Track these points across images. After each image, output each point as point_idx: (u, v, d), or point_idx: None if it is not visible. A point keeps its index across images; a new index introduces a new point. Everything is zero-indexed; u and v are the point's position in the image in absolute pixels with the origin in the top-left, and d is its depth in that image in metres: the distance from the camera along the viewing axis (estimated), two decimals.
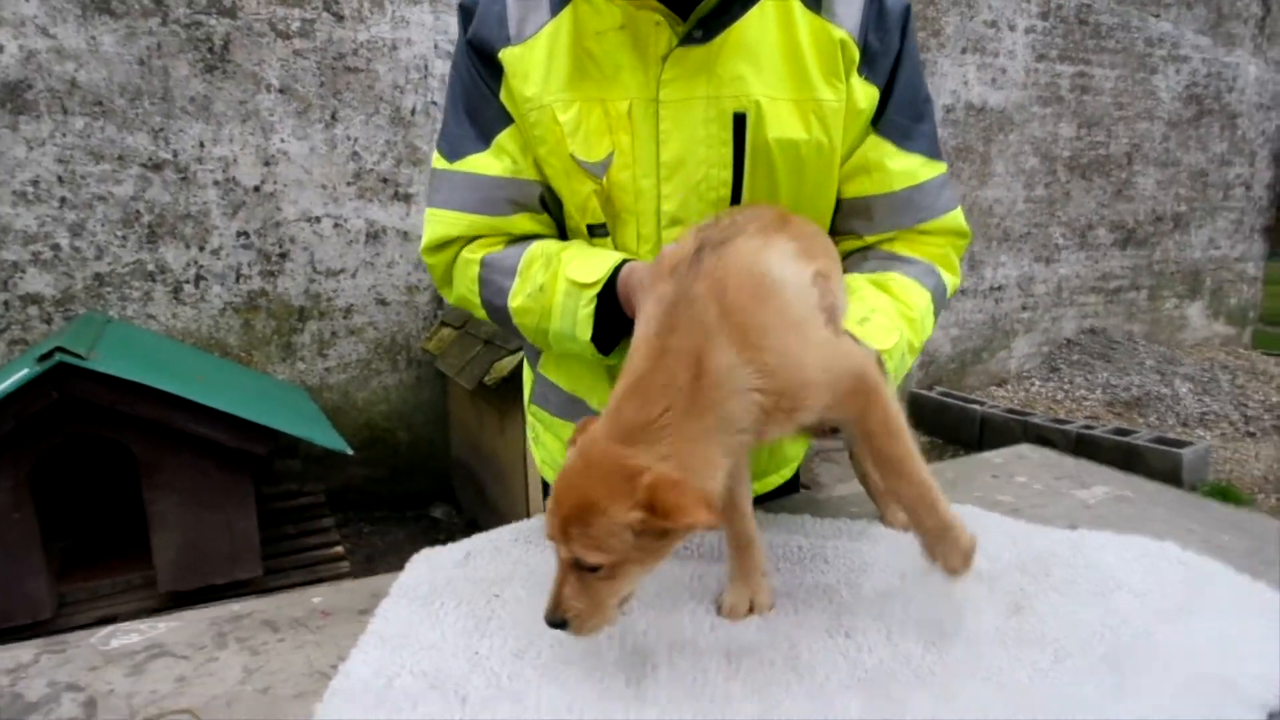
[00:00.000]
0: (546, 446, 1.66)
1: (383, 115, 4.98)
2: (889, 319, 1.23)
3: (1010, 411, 6.40)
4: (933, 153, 1.38)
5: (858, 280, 1.31)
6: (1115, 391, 7.22)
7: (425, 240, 1.47)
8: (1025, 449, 2.01)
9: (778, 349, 1.01)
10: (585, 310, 1.28)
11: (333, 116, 4.86)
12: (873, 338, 1.17)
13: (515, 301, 1.36)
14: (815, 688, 1.01)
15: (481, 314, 1.47)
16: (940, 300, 1.38)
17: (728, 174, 1.30)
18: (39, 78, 4.21)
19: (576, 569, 1.00)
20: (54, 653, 1.22)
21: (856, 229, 1.40)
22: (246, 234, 4.76)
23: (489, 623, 1.19)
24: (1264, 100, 8.72)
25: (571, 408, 1.54)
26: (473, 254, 1.42)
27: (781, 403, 1.01)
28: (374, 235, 5.08)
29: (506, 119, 1.36)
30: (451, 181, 1.42)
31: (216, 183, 4.65)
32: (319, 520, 4.34)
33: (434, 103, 5.04)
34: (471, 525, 4.87)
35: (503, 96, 1.35)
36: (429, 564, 1.41)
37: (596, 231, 1.38)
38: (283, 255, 4.89)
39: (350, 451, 3.61)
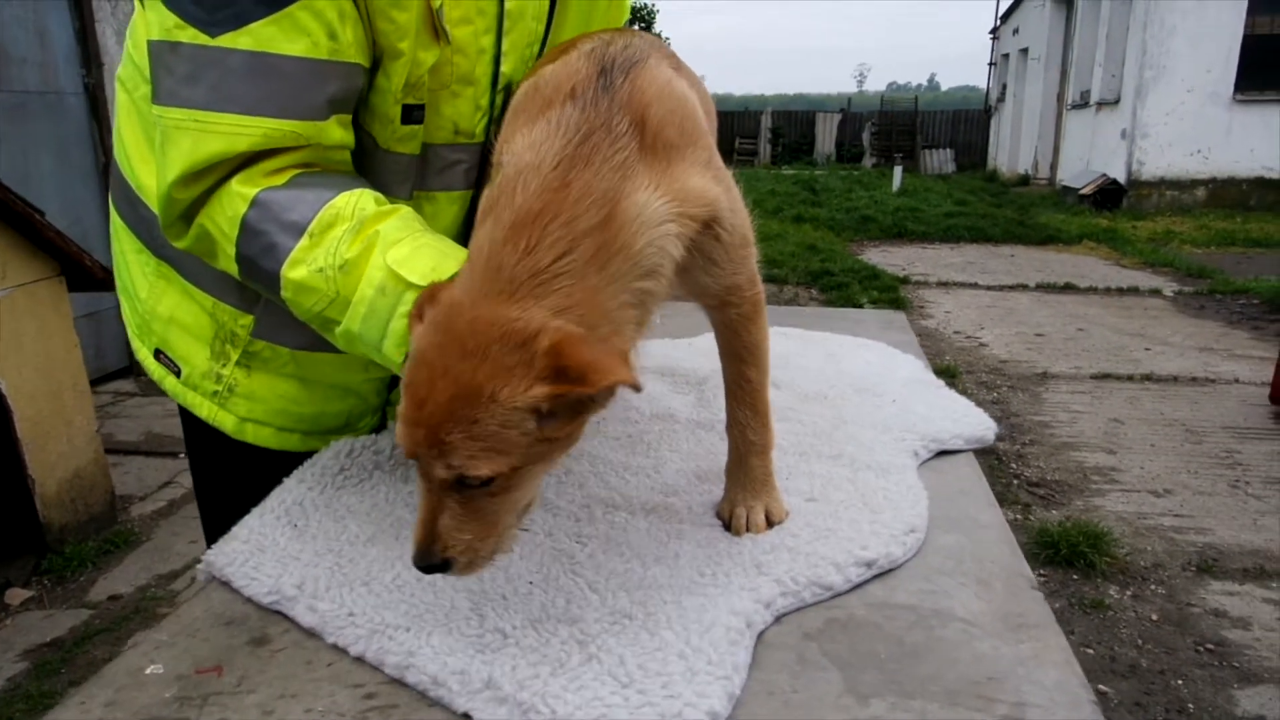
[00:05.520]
0: (260, 397, 1.23)
1: None
2: None
3: None
4: None
5: None
6: None
7: (185, 162, 0.95)
8: None
9: (699, 182, 0.90)
10: (403, 321, 0.93)
11: None
12: None
13: (295, 272, 0.97)
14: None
15: (228, 266, 1.03)
16: None
17: (542, 26, 1.18)
18: None
19: (456, 489, 0.77)
20: None
21: None
22: None
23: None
24: None
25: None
26: (245, 185, 0.97)
27: (703, 239, 0.91)
28: None
29: None
30: (223, 66, 0.93)
31: None
32: None
33: None
34: None
35: None
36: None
37: (412, 116, 1.09)
38: None
39: None
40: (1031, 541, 3.62)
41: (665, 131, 0.87)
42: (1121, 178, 14.19)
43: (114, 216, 1.30)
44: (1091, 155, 15.76)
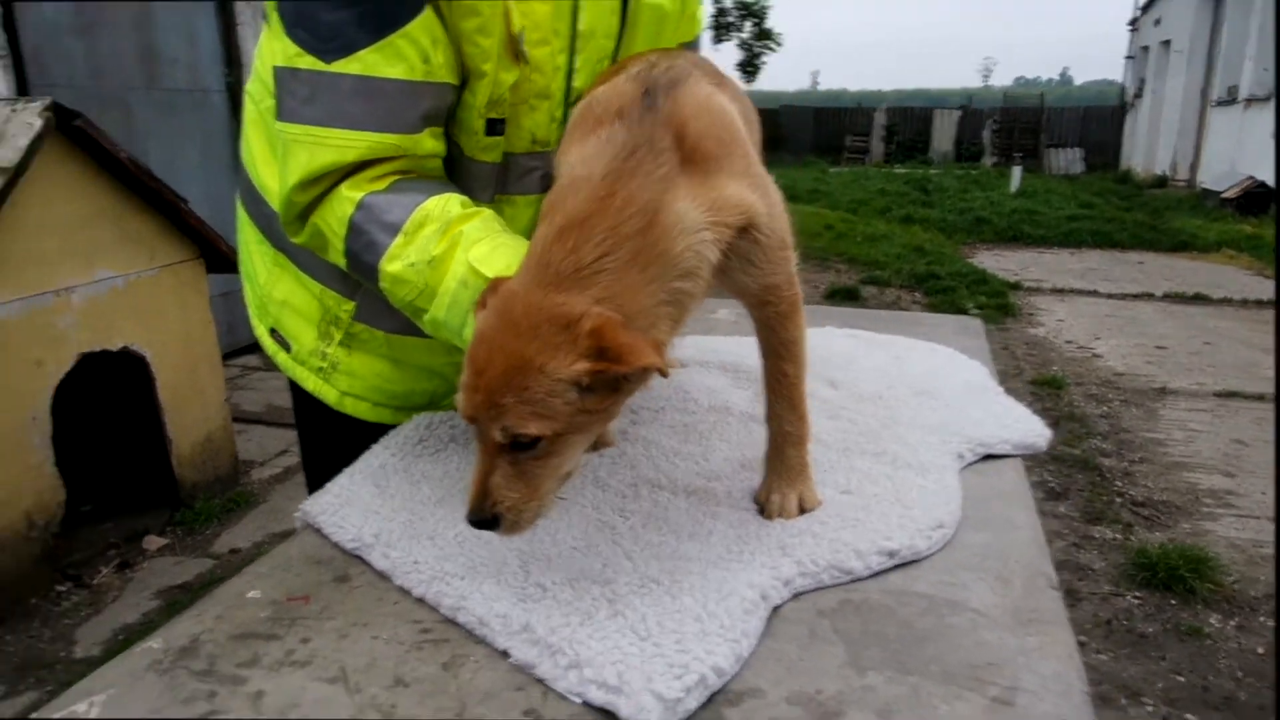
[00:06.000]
0: (359, 374, 1.39)
1: None
2: None
3: None
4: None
5: None
6: None
7: (302, 171, 1.11)
8: None
9: (735, 191, 0.97)
10: None
11: None
12: None
13: (391, 265, 1.11)
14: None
15: (337, 259, 1.18)
16: None
17: (613, 43, 1.28)
18: None
19: (508, 451, 0.88)
20: None
21: None
22: None
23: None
24: None
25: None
26: (352, 190, 1.12)
27: (741, 242, 0.99)
28: None
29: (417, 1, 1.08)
30: (336, 88, 1.08)
31: None
32: None
33: None
34: None
35: None
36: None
37: (495, 128, 1.21)
38: None
39: None
40: (1129, 562, 3.49)
41: (704, 144, 0.96)
42: (1271, 181, 13.18)
43: (240, 210, 1.48)
44: (1238, 156, 14.70)
